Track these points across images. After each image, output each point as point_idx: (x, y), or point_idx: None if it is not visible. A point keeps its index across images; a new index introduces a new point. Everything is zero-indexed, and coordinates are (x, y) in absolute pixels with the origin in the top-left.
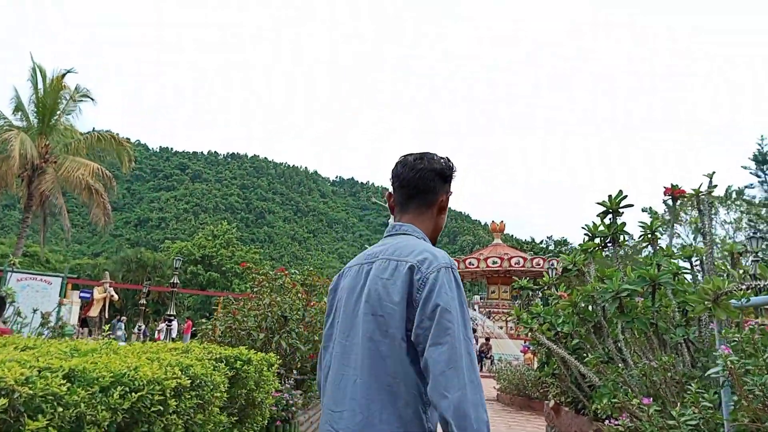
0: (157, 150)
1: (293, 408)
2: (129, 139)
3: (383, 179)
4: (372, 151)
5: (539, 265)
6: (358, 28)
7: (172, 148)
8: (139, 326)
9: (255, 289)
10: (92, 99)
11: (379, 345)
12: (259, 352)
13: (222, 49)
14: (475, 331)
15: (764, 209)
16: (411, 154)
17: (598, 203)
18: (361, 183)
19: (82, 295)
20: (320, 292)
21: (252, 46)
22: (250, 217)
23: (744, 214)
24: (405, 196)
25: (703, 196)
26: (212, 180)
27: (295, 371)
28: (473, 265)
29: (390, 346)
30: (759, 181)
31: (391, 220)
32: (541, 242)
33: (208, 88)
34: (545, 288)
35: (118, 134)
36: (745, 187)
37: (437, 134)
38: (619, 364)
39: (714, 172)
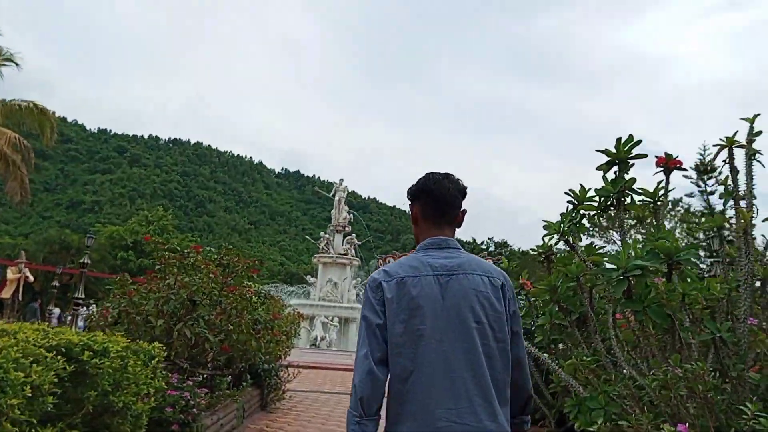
0: (95, 131)
1: (194, 410)
2: (55, 112)
3: (330, 173)
4: (321, 145)
5: None
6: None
7: (110, 130)
8: (49, 309)
9: (158, 267)
10: (16, 63)
11: (488, 349)
12: (133, 341)
13: (169, 23)
14: None
15: (703, 218)
16: (436, 173)
17: (600, 151)
18: (308, 176)
19: None
20: (240, 275)
21: (200, 23)
22: (189, 205)
23: (679, 224)
24: (438, 212)
25: (740, 147)
26: (152, 165)
27: (203, 366)
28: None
29: (498, 349)
30: (699, 191)
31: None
32: (482, 243)
33: (153, 69)
34: None
35: (40, 104)
36: (685, 195)
37: (380, 126)
38: (609, 369)
39: (758, 114)
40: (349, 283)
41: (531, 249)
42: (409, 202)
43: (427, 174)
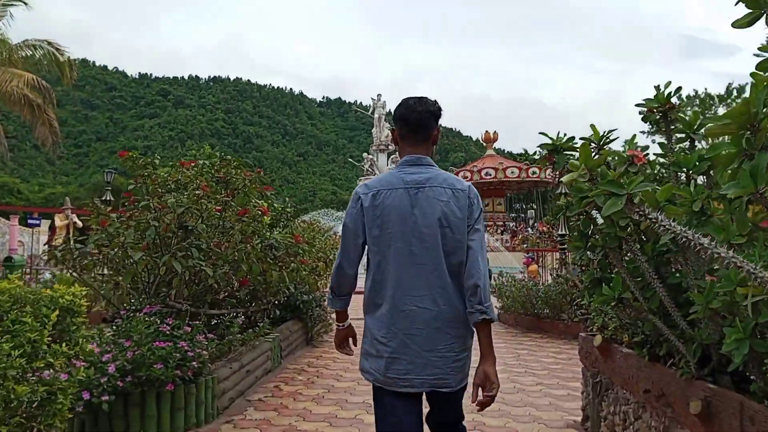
0: (136, 76)
1: (194, 363)
2: (95, 62)
3: (367, 96)
4: (361, 69)
5: (535, 174)
6: None
7: (151, 74)
8: None
9: (131, 187)
10: (24, 3)
11: (447, 248)
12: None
13: None
14: None
15: None
16: (411, 98)
17: None
18: (349, 102)
19: (30, 222)
20: (245, 191)
21: None
22: (237, 142)
23: None
24: (412, 133)
25: None
26: (195, 105)
27: (215, 305)
28: (467, 177)
29: (456, 248)
30: None
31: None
32: (534, 153)
33: (187, 10)
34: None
35: (54, 41)
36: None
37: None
38: None
39: None
40: None
41: (637, 103)
42: (393, 125)
43: (403, 100)
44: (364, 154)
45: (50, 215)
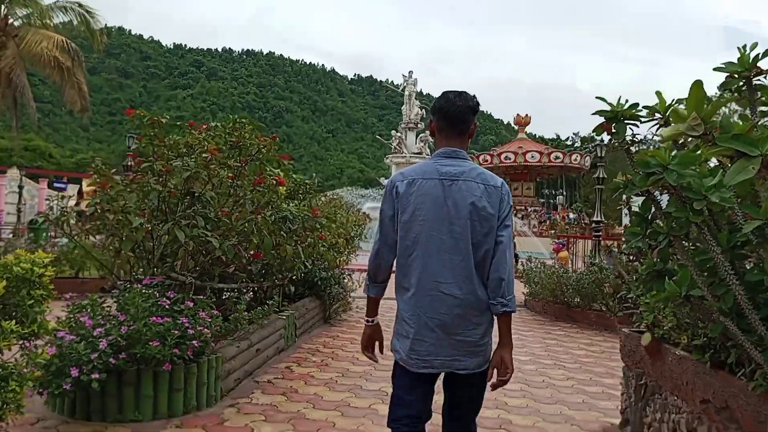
0: (171, 47)
1: (194, 342)
2: (131, 30)
3: (397, 75)
4: (392, 47)
5: (558, 159)
6: None
7: (186, 45)
8: None
9: (134, 147)
10: None
11: (475, 240)
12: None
13: None
14: None
15: None
16: (451, 92)
17: None
18: (380, 81)
19: (57, 185)
20: (259, 158)
21: None
22: (268, 116)
23: None
24: (450, 126)
25: None
26: (228, 78)
27: (226, 279)
28: (487, 161)
29: (482, 241)
30: None
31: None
32: (567, 139)
33: None
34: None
35: (85, 3)
36: None
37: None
38: None
39: None
40: None
41: (716, 68)
42: (431, 117)
43: (443, 93)
44: (393, 132)
45: (80, 180)
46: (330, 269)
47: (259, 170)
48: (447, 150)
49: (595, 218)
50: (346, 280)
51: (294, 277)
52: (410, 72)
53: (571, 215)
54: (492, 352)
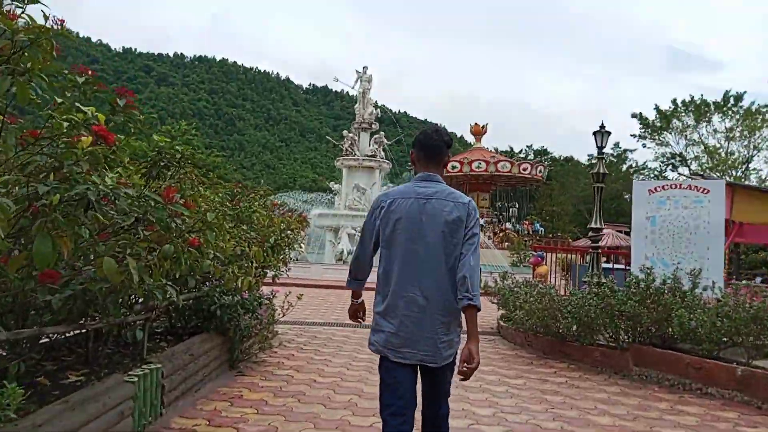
0: (120, 51)
1: None
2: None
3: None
4: (349, 59)
5: (526, 170)
6: None
7: (136, 49)
8: None
9: None
10: None
11: (446, 249)
12: None
13: None
14: None
15: None
16: (429, 128)
17: None
18: (336, 91)
19: None
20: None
21: None
22: (219, 124)
23: (739, 122)
24: (427, 157)
25: None
26: (179, 84)
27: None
28: (456, 168)
29: (452, 249)
30: None
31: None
32: (520, 152)
33: None
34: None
35: None
36: None
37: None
38: None
39: None
40: (378, 189)
41: None
42: (412, 148)
43: (423, 130)
44: (344, 132)
45: None
46: (236, 292)
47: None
48: (424, 175)
49: (593, 224)
50: (263, 307)
51: (157, 307)
52: (364, 68)
53: (538, 225)
54: (456, 347)
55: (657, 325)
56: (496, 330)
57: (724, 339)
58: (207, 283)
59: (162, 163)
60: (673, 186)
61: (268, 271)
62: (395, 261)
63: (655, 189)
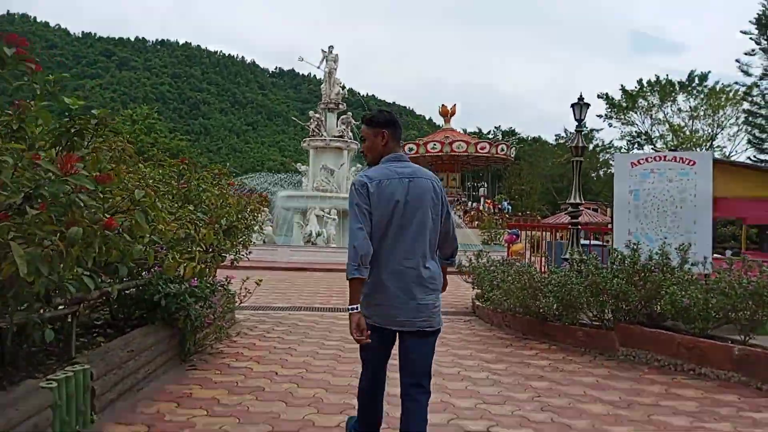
0: (80, 35)
1: None
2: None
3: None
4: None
5: (484, 149)
6: None
7: (96, 34)
8: None
9: None
10: None
11: (428, 223)
12: None
13: None
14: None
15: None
16: (386, 110)
17: None
18: (303, 75)
19: None
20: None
21: None
22: (183, 108)
23: (704, 102)
24: (399, 135)
25: None
26: (141, 68)
27: None
28: (413, 151)
29: (434, 224)
30: (760, 48)
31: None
32: (489, 132)
33: None
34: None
35: None
36: (745, 54)
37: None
38: None
39: None
40: (347, 170)
41: None
42: (376, 128)
43: (387, 110)
44: (310, 113)
45: None
46: (183, 280)
47: None
48: (396, 155)
49: (572, 200)
50: (218, 295)
51: (107, 299)
52: (330, 47)
53: (505, 203)
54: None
55: (645, 302)
56: (471, 310)
57: (717, 316)
58: (147, 271)
59: (73, 131)
60: (657, 158)
61: (225, 255)
62: (386, 237)
63: (638, 162)
